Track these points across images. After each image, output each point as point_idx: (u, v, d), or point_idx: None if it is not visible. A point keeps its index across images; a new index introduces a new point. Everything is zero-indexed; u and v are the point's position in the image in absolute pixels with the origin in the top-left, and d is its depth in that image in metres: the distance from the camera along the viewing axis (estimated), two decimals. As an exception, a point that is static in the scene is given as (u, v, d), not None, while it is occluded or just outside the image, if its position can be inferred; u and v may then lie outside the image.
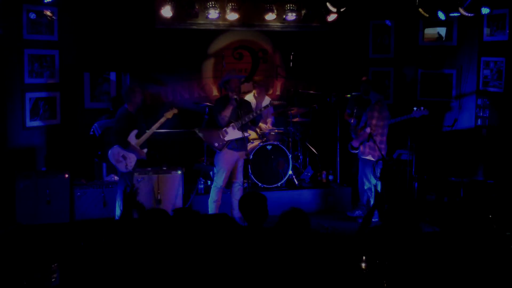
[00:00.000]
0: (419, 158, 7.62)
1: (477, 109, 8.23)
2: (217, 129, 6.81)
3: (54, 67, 7.52)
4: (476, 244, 4.29)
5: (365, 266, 3.77)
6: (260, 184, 7.64)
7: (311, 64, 8.96)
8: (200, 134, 6.95)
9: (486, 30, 7.97)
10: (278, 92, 8.89)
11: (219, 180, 6.85)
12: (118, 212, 6.71)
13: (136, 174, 6.81)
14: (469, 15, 7.34)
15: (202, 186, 7.61)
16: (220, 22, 8.30)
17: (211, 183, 7.15)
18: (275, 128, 7.91)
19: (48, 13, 7.35)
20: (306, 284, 3.58)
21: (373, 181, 7.07)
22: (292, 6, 8.06)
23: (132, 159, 6.53)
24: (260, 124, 7.94)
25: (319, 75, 9.00)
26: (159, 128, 6.75)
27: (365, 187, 7.17)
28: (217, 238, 3.97)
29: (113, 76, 8.02)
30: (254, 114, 6.87)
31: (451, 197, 7.52)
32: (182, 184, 7.20)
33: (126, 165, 6.49)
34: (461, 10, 7.30)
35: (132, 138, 6.53)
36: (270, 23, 8.57)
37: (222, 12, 7.86)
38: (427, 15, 7.73)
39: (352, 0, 7.96)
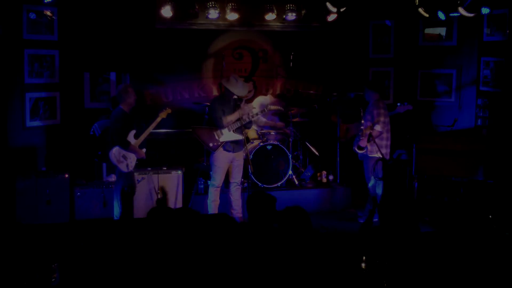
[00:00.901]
0: (419, 158, 7.62)
1: (477, 109, 8.23)
2: (212, 129, 6.74)
3: (54, 67, 7.52)
4: (476, 244, 4.29)
5: (365, 266, 3.77)
6: (260, 184, 7.64)
7: (311, 64, 8.96)
8: (196, 133, 6.88)
9: (486, 30, 7.97)
10: (278, 92, 8.89)
11: (215, 179, 6.82)
12: (116, 212, 6.72)
13: (136, 174, 6.82)
14: (469, 15, 7.34)
15: (202, 186, 7.61)
16: (220, 22, 8.30)
17: (211, 183, 7.15)
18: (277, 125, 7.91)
19: (48, 13, 7.35)
20: (306, 284, 3.58)
21: (373, 181, 7.08)
22: (292, 6, 8.06)
23: (132, 159, 6.54)
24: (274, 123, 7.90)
25: (319, 75, 9.00)
26: (157, 128, 6.76)
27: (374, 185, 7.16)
28: (217, 238, 3.97)
29: (113, 76, 8.02)
30: (249, 118, 6.75)
31: (451, 197, 7.52)
32: (182, 184, 7.20)
33: (127, 165, 6.51)
34: (461, 10, 7.30)
35: (130, 138, 6.54)
36: (270, 23, 8.57)
37: (222, 12, 7.86)
38: (427, 15, 7.73)
39: (352, 0, 7.96)
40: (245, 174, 6.98)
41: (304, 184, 8.05)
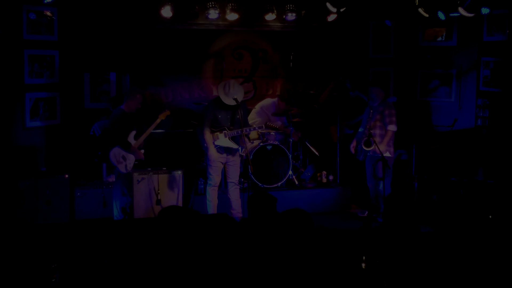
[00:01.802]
0: (419, 158, 7.63)
1: (477, 109, 8.23)
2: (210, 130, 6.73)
3: (54, 68, 7.52)
4: (476, 244, 4.29)
5: (365, 266, 3.77)
6: (260, 184, 7.64)
7: (311, 64, 8.96)
8: (196, 129, 6.86)
9: (486, 30, 7.97)
10: (278, 92, 8.89)
11: (211, 178, 6.82)
12: (116, 212, 6.73)
13: (136, 174, 6.82)
14: (469, 15, 7.34)
15: (202, 186, 7.60)
16: (220, 22, 8.30)
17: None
18: (278, 124, 7.90)
19: (48, 13, 7.35)
20: (306, 284, 3.58)
21: (375, 180, 7.09)
22: (292, 6, 8.06)
23: (131, 160, 6.57)
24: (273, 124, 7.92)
25: (319, 75, 9.00)
26: (157, 128, 6.81)
27: (380, 187, 7.17)
28: (217, 238, 3.97)
29: (113, 76, 8.02)
30: (247, 130, 6.74)
31: (451, 197, 7.52)
32: (182, 184, 7.20)
33: (126, 166, 6.52)
34: (461, 10, 7.30)
35: (130, 139, 6.55)
36: (270, 23, 8.57)
37: (222, 12, 7.86)
38: (427, 15, 7.72)
39: (352, 0, 7.96)
40: (245, 174, 6.98)
41: (304, 184, 8.05)
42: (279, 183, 7.74)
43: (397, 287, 3.68)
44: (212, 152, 6.68)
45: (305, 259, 3.68)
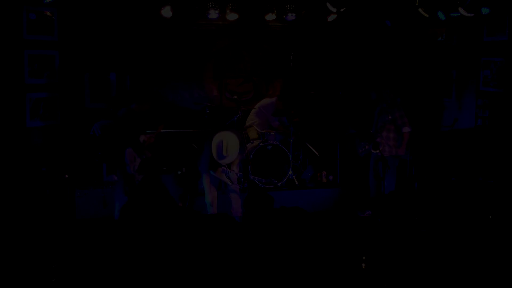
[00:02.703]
0: (419, 158, 7.63)
1: (477, 109, 8.23)
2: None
3: (54, 68, 7.52)
4: (476, 244, 4.29)
5: (365, 266, 3.78)
6: (260, 184, 7.63)
7: (312, 64, 8.96)
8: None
9: (486, 30, 7.97)
10: (278, 92, 8.89)
11: (201, 163, 6.65)
12: (117, 212, 6.71)
13: (137, 174, 6.81)
14: (469, 15, 7.33)
15: (202, 186, 7.59)
16: (220, 22, 8.30)
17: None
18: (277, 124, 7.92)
19: (48, 13, 7.35)
20: (306, 283, 3.58)
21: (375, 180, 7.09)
22: (292, 6, 8.06)
23: (138, 162, 6.55)
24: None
25: (319, 75, 9.00)
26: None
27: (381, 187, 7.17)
28: (217, 237, 3.97)
29: (113, 76, 8.02)
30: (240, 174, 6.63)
31: (451, 197, 7.52)
32: (182, 184, 7.19)
33: (134, 167, 6.52)
34: (461, 10, 7.30)
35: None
36: (270, 23, 8.57)
37: (222, 12, 7.86)
38: (427, 15, 7.72)
39: (352, 0, 7.96)
40: (245, 174, 6.96)
41: (304, 184, 8.05)
42: (279, 183, 7.74)
43: (397, 287, 3.69)
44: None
45: (305, 259, 3.68)
